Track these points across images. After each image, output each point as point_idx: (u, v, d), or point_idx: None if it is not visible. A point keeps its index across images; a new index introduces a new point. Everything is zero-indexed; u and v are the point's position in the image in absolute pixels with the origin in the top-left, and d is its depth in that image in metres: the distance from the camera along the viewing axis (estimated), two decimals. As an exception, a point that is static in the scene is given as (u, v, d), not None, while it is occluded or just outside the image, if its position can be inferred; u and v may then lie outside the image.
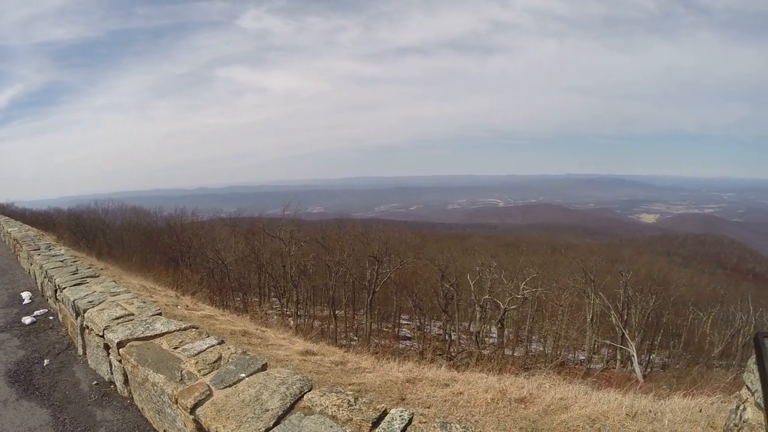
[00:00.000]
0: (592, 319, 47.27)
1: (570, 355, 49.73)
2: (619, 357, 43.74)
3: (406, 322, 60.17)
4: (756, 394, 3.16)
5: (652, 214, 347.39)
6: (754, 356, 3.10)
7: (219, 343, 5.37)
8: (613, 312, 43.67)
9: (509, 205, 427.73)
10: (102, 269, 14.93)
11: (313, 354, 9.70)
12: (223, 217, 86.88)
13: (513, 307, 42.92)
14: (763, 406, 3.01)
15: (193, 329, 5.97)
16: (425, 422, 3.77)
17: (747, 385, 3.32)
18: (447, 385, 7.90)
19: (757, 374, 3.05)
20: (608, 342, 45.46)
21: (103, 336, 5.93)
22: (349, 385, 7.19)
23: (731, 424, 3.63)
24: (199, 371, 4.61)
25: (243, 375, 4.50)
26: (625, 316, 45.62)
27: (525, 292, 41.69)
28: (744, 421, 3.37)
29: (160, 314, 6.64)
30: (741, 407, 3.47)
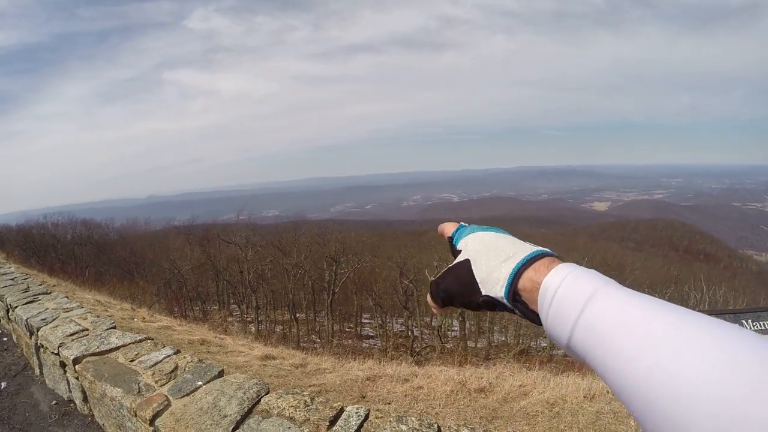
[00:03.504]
0: (551, 307, 47.96)
1: (532, 342, 50.29)
2: (579, 342, 44.42)
3: (368, 321, 60.12)
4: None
5: (603, 202, 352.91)
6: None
7: (175, 353, 5.36)
8: (570, 298, 44.27)
9: (464, 200, 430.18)
10: (54, 285, 14.67)
11: (273, 358, 9.72)
12: (176, 225, 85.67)
13: (472, 299, 43.23)
14: None
15: (149, 341, 5.95)
16: (381, 417, 3.85)
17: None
18: (407, 381, 8.00)
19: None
20: (568, 328, 46.11)
21: (58, 353, 5.86)
22: (309, 386, 7.24)
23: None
24: (156, 382, 4.61)
25: (200, 383, 4.54)
26: (584, 301, 46.31)
27: (484, 284, 42.02)
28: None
29: (114, 328, 6.58)
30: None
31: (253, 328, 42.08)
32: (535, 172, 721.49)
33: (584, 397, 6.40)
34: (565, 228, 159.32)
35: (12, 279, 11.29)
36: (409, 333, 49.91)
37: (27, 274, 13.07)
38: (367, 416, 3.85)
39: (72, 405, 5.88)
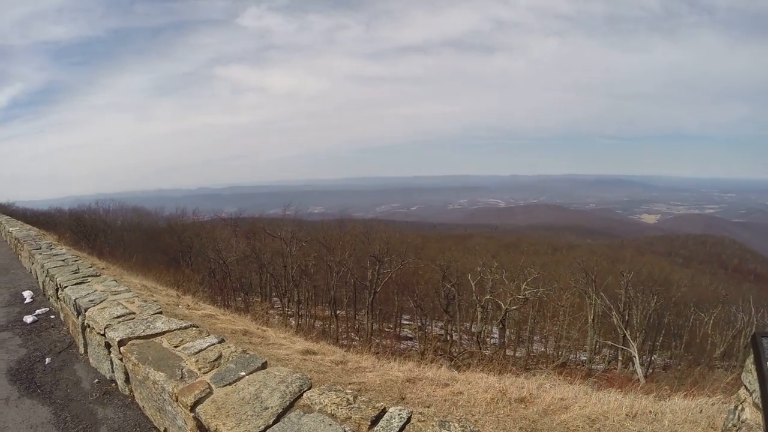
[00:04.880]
0: (593, 320, 47.23)
1: (571, 355, 49.64)
2: (620, 358, 43.55)
3: (407, 323, 60.13)
4: (754, 394, 3.15)
5: (653, 215, 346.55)
6: (752, 356, 3.09)
7: (219, 342, 5.38)
8: (614, 312, 43.50)
9: (510, 206, 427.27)
10: (103, 269, 14.97)
11: (314, 353, 9.73)
12: (224, 217, 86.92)
13: (514, 307, 42.86)
14: (760, 405, 3.00)
15: (194, 328, 5.99)
16: (424, 421, 3.77)
17: (745, 385, 3.31)
18: (447, 385, 7.92)
19: (755, 374, 3.04)
20: (610, 343, 45.24)
21: (104, 334, 5.95)
22: (349, 384, 7.20)
23: (729, 425, 3.62)
24: (199, 369, 4.62)
25: (243, 373, 4.52)
26: (627, 317, 45.48)
27: (526, 292, 41.61)
28: (742, 422, 3.37)
29: (160, 313, 6.65)
30: (739, 407, 3.47)
31: (294, 322, 42.32)
32: (584, 181, 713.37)
33: (626, 415, 6.24)
34: (612, 239, 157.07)
35: (63, 260, 11.51)
36: (448, 337, 49.75)
37: (77, 257, 13.32)
38: (409, 419, 3.77)
39: (113, 385, 5.96)
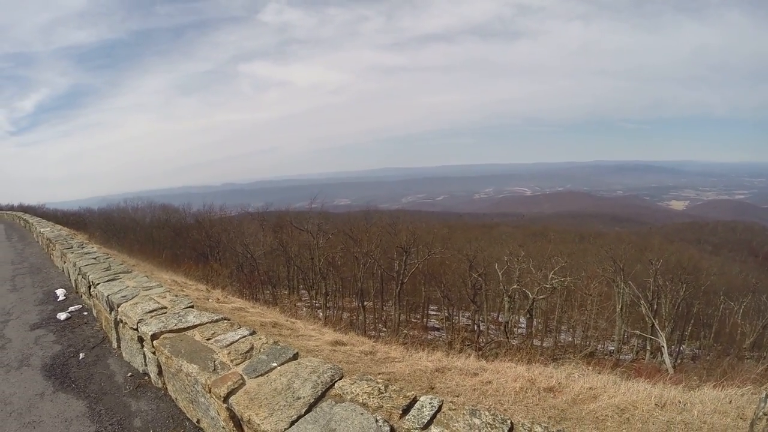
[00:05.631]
0: (621, 309, 46.82)
1: (599, 345, 49.29)
2: (648, 348, 43.10)
3: (434, 313, 60.15)
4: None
5: (681, 201, 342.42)
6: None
7: (251, 334, 5.47)
8: (642, 301, 43.05)
9: (536, 194, 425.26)
10: (134, 265, 15.17)
11: (343, 344, 9.76)
12: (251, 211, 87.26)
13: (541, 296, 42.58)
14: None
15: (225, 321, 6.08)
16: (455, 409, 3.79)
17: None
18: (476, 375, 7.90)
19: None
20: (638, 332, 44.87)
21: (137, 329, 6.06)
22: (379, 374, 7.23)
23: (760, 413, 3.61)
24: (231, 361, 4.70)
25: (275, 364, 4.58)
26: (655, 306, 45.02)
27: (553, 281, 41.33)
28: (772, 411, 3.35)
29: (192, 307, 6.76)
30: (769, 397, 3.45)
31: (321, 314, 42.52)
32: (610, 167, 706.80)
33: (655, 404, 6.19)
34: (640, 227, 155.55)
35: (94, 258, 11.72)
36: (475, 327, 49.66)
37: (108, 254, 13.54)
38: (440, 407, 3.80)
39: (146, 378, 6.07)
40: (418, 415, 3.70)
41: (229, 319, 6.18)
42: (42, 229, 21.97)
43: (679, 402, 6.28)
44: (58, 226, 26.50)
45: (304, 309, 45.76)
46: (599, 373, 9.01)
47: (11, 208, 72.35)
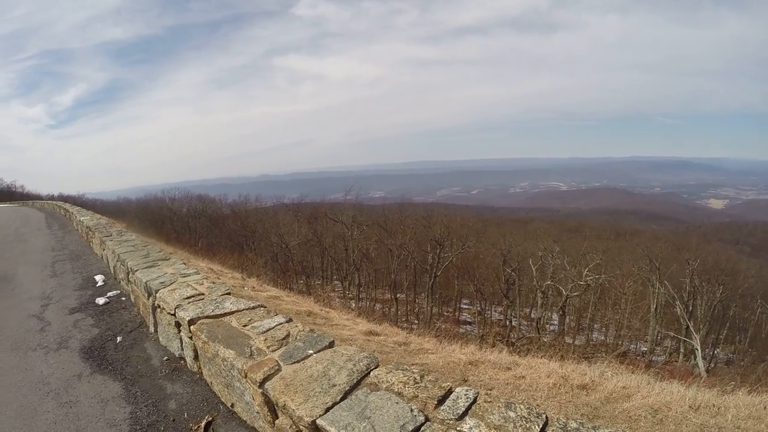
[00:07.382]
0: (656, 309, 46.07)
1: (632, 345, 48.75)
2: (682, 350, 42.29)
3: (466, 307, 60.10)
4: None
5: (720, 200, 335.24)
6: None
7: (287, 321, 5.52)
8: (678, 302, 42.25)
9: (572, 189, 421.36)
10: (171, 253, 15.34)
11: (377, 334, 9.82)
12: (286, 202, 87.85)
13: (575, 293, 42.23)
14: None
15: (262, 308, 6.14)
16: (490, 402, 3.77)
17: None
18: (509, 369, 7.90)
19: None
20: (672, 334, 44.07)
21: (174, 314, 6.14)
22: (413, 364, 7.24)
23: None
24: (267, 347, 4.74)
25: (311, 351, 4.61)
26: (690, 307, 44.11)
27: (588, 278, 40.98)
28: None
29: (229, 294, 6.83)
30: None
31: (354, 305, 42.69)
32: (648, 163, 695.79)
33: (689, 407, 6.11)
34: (678, 225, 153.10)
35: (133, 246, 11.91)
36: (508, 322, 49.46)
37: (146, 242, 13.71)
38: (475, 399, 3.79)
39: (182, 362, 6.18)
40: (453, 405, 3.69)
41: (265, 307, 6.24)
42: (82, 218, 22.31)
43: (713, 405, 6.20)
44: (98, 215, 26.89)
45: (337, 299, 45.96)
46: (632, 372, 8.93)
47: (51, 198, 74.06)
